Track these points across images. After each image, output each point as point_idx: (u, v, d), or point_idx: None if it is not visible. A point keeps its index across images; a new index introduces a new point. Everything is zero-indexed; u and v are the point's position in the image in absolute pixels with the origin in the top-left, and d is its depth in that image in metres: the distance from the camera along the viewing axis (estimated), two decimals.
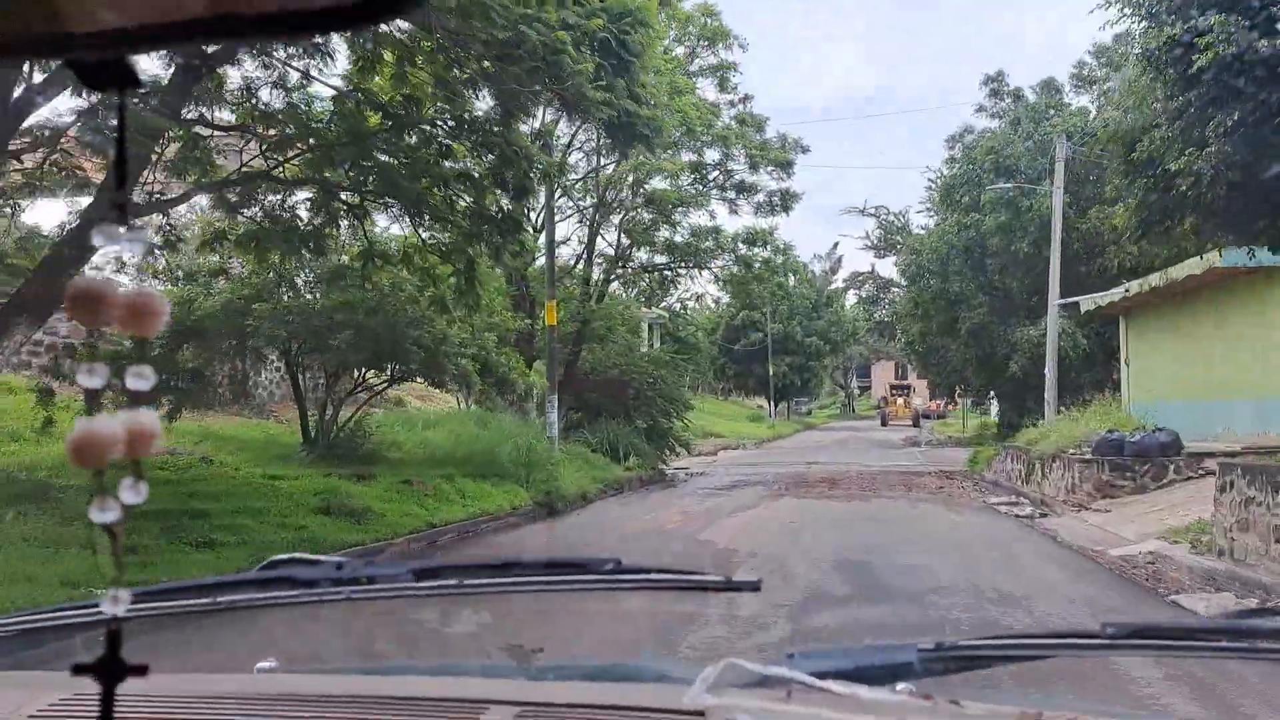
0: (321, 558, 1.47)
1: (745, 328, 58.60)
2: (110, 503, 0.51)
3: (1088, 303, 20.91)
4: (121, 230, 0.52)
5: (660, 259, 24.51)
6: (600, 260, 23.85)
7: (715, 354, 60.13)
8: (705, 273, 25.04)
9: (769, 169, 22.90)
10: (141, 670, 0.55)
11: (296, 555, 1.47)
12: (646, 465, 23.51)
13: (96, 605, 1.10)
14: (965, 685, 1.21)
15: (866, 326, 40.83)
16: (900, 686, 1.05)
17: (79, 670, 0.55)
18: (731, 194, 22.87)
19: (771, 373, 54.51)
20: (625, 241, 23.86)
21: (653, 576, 1.46)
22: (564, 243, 24.33)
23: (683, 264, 24.37)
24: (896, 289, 39.67)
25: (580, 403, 24.74)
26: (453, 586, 1.40)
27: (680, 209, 22.37)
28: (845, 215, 45.32)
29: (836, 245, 49.83)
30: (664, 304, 59.68)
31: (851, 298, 44.13)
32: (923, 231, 35.61)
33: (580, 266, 24.94)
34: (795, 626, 5.66)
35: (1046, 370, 21.17)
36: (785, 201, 23.05)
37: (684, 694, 0.98)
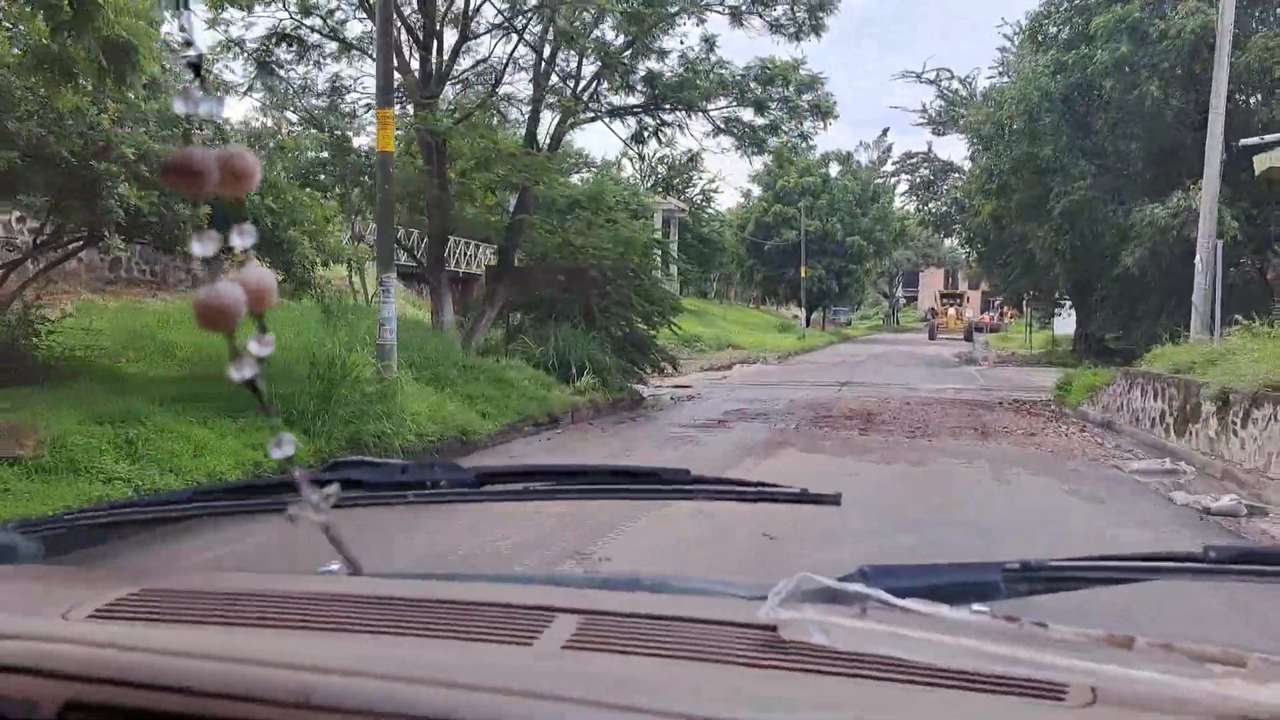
0: (385, 460, 1.47)
1: (778, 225, 51.43)
2: (245, 361, 0.54)
3: (1265, 160, 13.83)
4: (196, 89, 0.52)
5: (635, 100, 17.48)
6: (554, 100, 16.93)
7: (744, 254, 53.20)
8: (702, 120, 17.98)
9: None
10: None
11: (361, 458, 1.46)
12: (613, 387, 17.06)
13: (155, 503, 1.49)
14: (1052, 609, 1.09)
15: (919, 219, 33.53)
16: (981, 607, 0.99)
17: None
18: None
19: (804, 276, 47.46)
20: (585, 66, 16.87)
21: (725, 488, 1.47)
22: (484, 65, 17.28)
23: (666, 105, 17.38)
24: (958, 174, 32.25)
25: (529, 301, 18.24)
26: (518, 492, 1.42)
27: (662, 19, 15.32)
28: (899, 81, 37.49)
29: (885, 133, 42.18)
30: (684, 194, 52.48)
31: (902, 186, 36.59)
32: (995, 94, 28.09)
33: (511, 103, 17.95)
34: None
35: (1198, 261, 14.17)
36: (815, 15, 15.87)
37: (757, 607, 0.96)
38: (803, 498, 1.42)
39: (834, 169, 54.86)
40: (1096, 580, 1.14)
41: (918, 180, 33.19)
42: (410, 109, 15.45)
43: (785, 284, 53.01)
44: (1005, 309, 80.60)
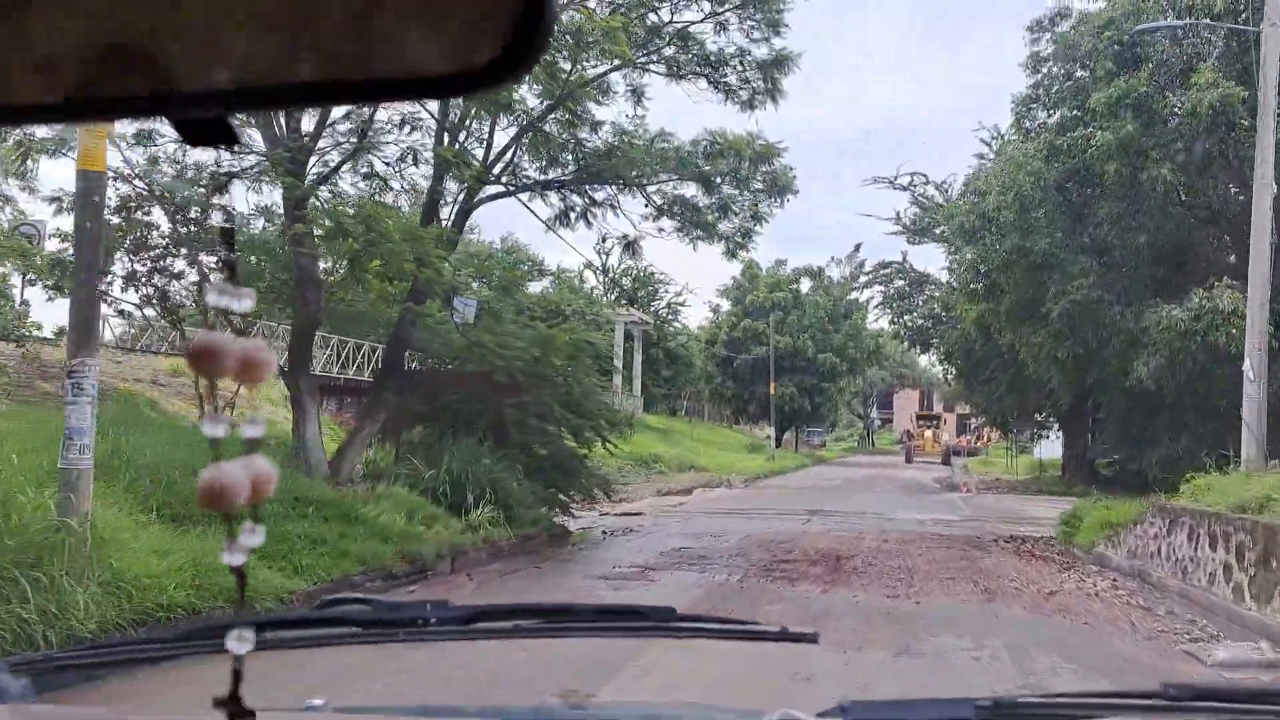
0: (376, 597, 1.47)
1: (748, 340, 48.95)
2: (238, 546, 0.55)
3: None
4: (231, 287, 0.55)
5: (559, 174, 14.72)
6: (459, 173, 14.11)
7: (712, 370, 50.55)
8: (639, 199, 15.21)
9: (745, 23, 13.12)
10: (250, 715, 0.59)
11: (353, 595, 1.64)
12: (522, 520, 13.83)
13: (143, 644, 1.46)
14: None
15: (894, 333, 30.99)
16: None
17: (218, 704, 0.58)
18: (672, 49, 13.03)
19: (774, 393, 44.65)
20: (497, 132, 14.14)
21: (707, 625, 1.48)
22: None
23: (595, 181, 14.62)
24: (934, 285, 29.87)
25: (426, 413, 15.10)
26: (506, 630, 1.44)
27: (585, 83, 12.66)
28: (870, 187, 35.15)
29: (858, 248, 39.92)
30: (650, 308, 50.09)
31: (876, 298, 34.17)
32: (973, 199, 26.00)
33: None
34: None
35: (1248, 368, 11.27)
36: (773, 79, 13.28)
37: None
38: (783, 636, 1.49)
39: (805, 285, 52.87)
40: (1063, 717, 1.19)
41: (892, 292, 30.70)
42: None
43: (755, 402, 50.18)
44: (983, 432, 78.24)
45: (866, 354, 50.93)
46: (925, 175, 29.37)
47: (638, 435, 40.84)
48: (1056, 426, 32.30)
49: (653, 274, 48.37)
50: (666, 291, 49.19)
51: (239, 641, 0.57)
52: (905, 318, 31.33)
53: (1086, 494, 28.60)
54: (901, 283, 30.88)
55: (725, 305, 52.14)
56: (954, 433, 66.12)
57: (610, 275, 47.87)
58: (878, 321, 35.03)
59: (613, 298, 45.49)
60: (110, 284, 10.73)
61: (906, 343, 31.95)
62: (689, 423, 60.62)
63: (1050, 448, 48.16)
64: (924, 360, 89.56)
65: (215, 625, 1.55)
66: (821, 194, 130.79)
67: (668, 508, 24.29)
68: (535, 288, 37.75)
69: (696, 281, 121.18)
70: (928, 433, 55.84)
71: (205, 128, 0.56)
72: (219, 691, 0.58)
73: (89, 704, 1.46)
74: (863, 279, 32.08)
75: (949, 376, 33.46)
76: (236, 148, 0.56)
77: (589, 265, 47.36)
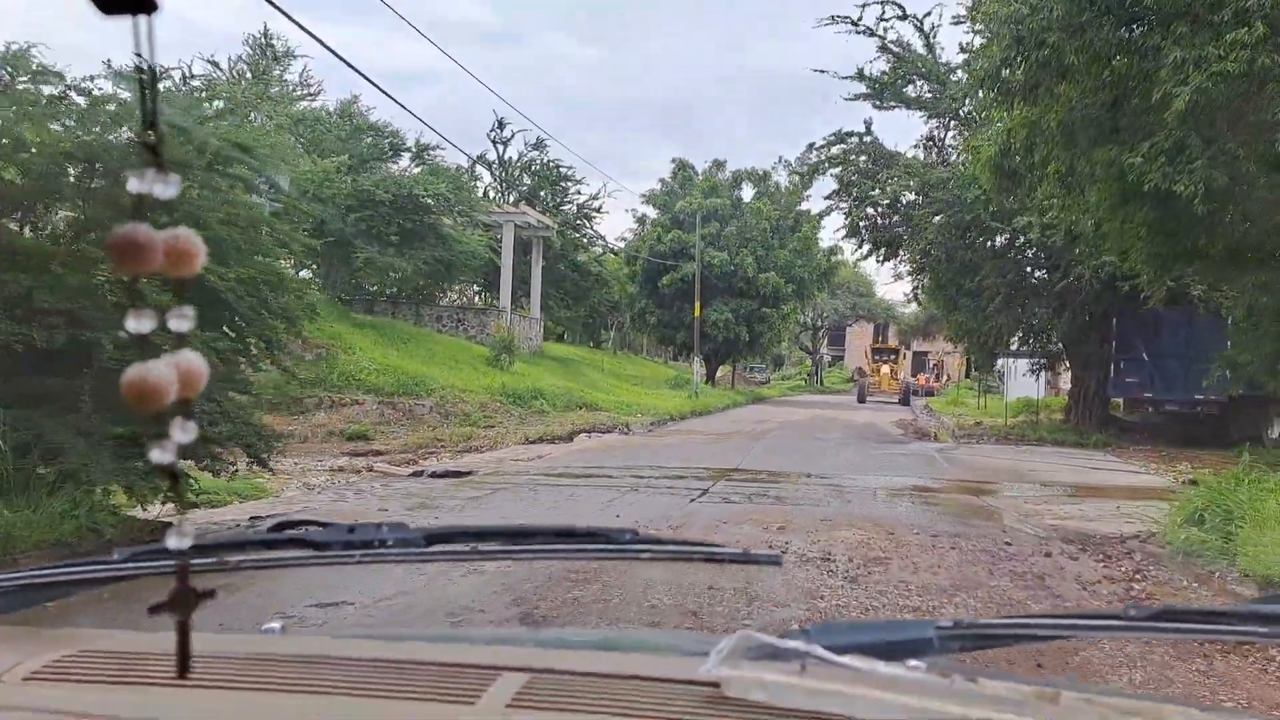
0: (333, 521, 1.45)
1: (677, 256, 40.79)
2: (167, 444, 0.53)
3: None
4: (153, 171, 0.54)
5: None
6: None
7: (635, 292, 42.45)
8: None
9: None
10: (210, 594, 0.59)
11: (307, 519, 1.49)
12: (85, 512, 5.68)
13: (92, 563, 1.39)
14: (983, 665, 1.28)
15: (849, 229, 23.00)
16: (916, 663, 1.01)
17: (155, 610, 0.58)
18: None
19: (698, 316, 36.69)
20: None
21: (669, 547, 1.49)
22: None
23: None
24: (901, 174, 21.90)
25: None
26: (465, 552, 1.43)
27: None
28: (823, 28, 26.61)
29: (811, 147, 31.05)
30: (559, 209, 41.58)
31: (830, 185, 25.92)
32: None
33: None
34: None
35: None
36: None
37: (699, 664, 0.98)
38: (745, 558, 1.47)
39: (747, 192, 44.71)
40: (1025, 637, 1.19)
41: (851, 175, 22.62)
42: None
43: (685, 330, 42.20)
44: (943, 369, 71.27)
45: (817, 275, 43.12)
46: (900, 6, 21.01)
47: (525, 365, 32.88)
48: (1038, 364, 24.79)
49: (560, 169, 39.86)
50: (579, 193, 40.78)
51: (179, 537, 0.55)
52: (867, 209, 23.31)
53: (1110, 443, 21.27)
54: (864, 159, 22.77)
55: (651, 213, 43.91)
56: (910, 371, 59.13)
57: (505, 168, 39.29)
58: (837, 233, 26.40)
59: (511, 199, 37.02)
60: None
61: (866, 247, 23.97)
62: (612, 354, 52.73)
63: (1021, 386, 41.00)
64: (882, 288, 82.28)
65: (161, 548, 1.16)
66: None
67: (518, 463, 16.64)
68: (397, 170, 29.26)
69: (622, 187, 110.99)
70: (884, 368, 48.51)
71: None
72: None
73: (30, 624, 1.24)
74: (814, 158, 23.65)
75: (920, 290, 25.62)
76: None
77: (479, 159, 38.74)
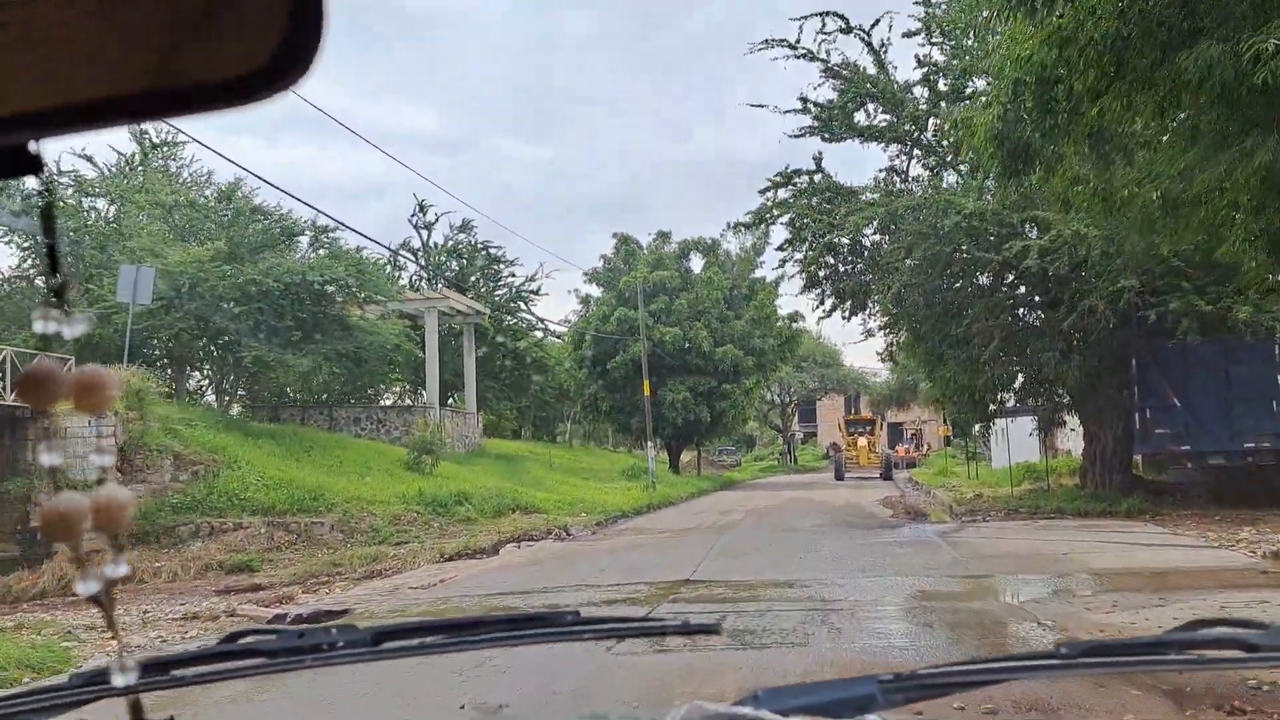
0: (282, 627, 1.53)
1: (625, 336, 37.34)
2: (92, 575, 0.54)
3: None
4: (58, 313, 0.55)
5: None
6: None
7: (583, 378, 38.90)
8: None
9: None
10: None
11: (257, 627, 1.60)
12: None
13: (45, 691, 1.35)
14: (928, 714, 1.27)
15: (807, 279, 19.58)
16: (865, 719, 1.05)
17: None
18: None
19: (649, 395, 33.12)
20: None
21: (612, 625, 1.53)
22: None
23: None
24: (863, 197, 18.77)
25: None
26: (413, 647, 1.44)
27: None
28: (757, 53, 22.68)
29: (766, 216, 27.73)
30: (492, 294, 38.03)
31: (782, 235, 22.57)
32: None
33: None
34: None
35: None
36: None
37: None
38: (688, 629, 1.52)
39: (696, 264, 41.65)
40: (964, 685, 1.20)
41: (804, 216, 19.40)
42: None
43: (640, 414, 38.50)
44: (922, 438, 67.88)
45: (779, 344, 39.81)
46: (842, 19, 18.08)
47: (455, 467, 28.92)
48: (1067, 410, 21.36)
49: (489, 250, 36.57)
50: (514, 275, 37.43)
51: (123, 674, 0.56)
52: (826, 258, 20.04)
53: (1145, 510, 17.66)
54: (817, 200, 19.58)
55: (595, 292, 40.62)
56: (887, 442, 55.73)
57: (430, 254, 35.93)
58: (795, 290, 22.93)
59: (440, 287, 33.55)
60: None
61: (829, 302, 20.66)
62: (568, 447, 48.82)
63: (1011, 450, 37.59)
64: (851, 352, 79.38)
65: (106, 669, 1.33)
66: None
67: (415, 591, 12.94)
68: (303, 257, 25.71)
69: (564, 262, 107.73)
70: (860, 441, 44.89)
71: (8, 157, 0.53)
72: None
73: None
74: (763, 201, 20.47)
75: (895, 347, 22.23)
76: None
77: (401, 248, 35.39)
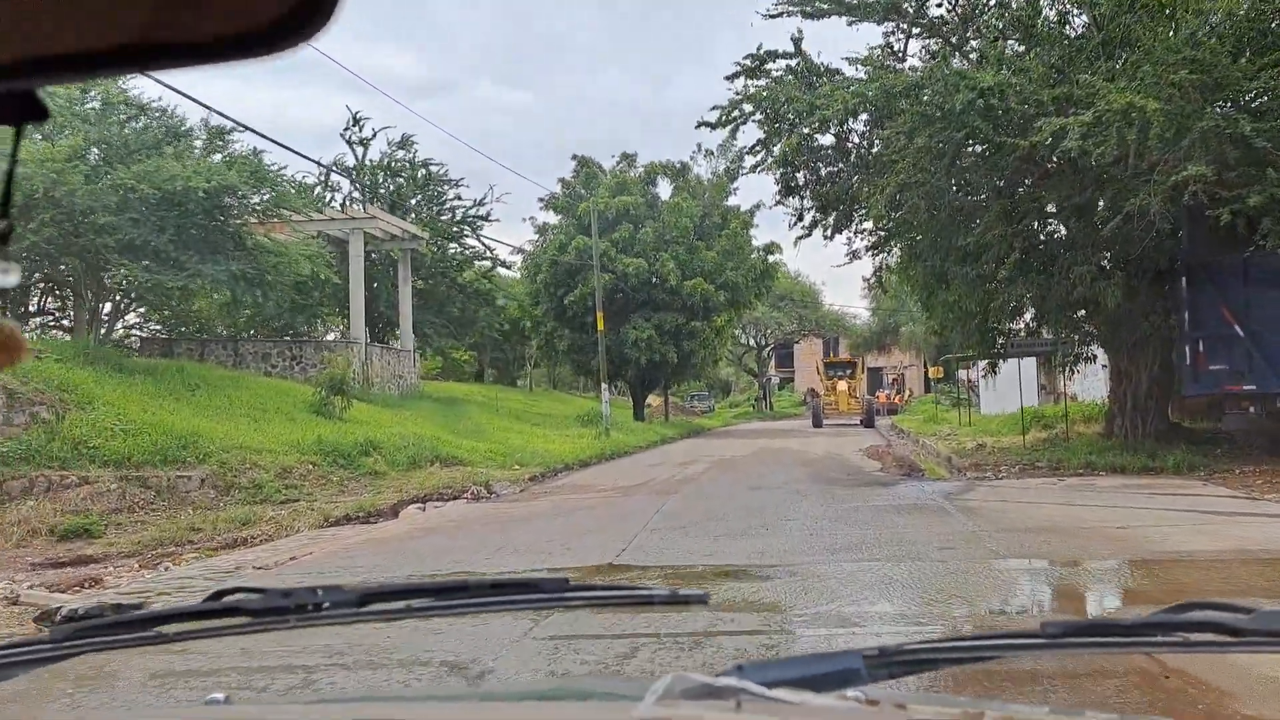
0: (267, 587, 1.46)
1: (585, 267, 33.66)
2: None
3: None
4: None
5: None
6: None
7: (540, 314, 35.34)
8: None
9: None
10: None
11: (242, 585, 1.48)
12: None
13: (29, 644, 1.35)
14: (913, 688, 1.29)
15: (782, 188, 15.88)
16: (848, 693, 1.03)
17: None
18: None
19: (602, 331, 29.57)
20: None
21: (600, 593, 1.52)
22: None
23: None
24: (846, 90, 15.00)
25: None
26: (399, 611, 1.44)
27: None
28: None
29: (735, 131, 23.86)
30: (435, 216, 33.78)
31: (750, 134, 18.87)
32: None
33: None
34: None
35: None
36: None
37: (633, 709, 0.97)
38: (675, 599, 1.49)
39: (664, 190, 37.86)
40: (948, 661, 1.22)
41: (780, 103, 15.74)
42: None
43: (606, 355, 34.99)
44: (904, 383, 64.79)
45: (753, 278, 36.22)
46: None
47: (378, 411, 25.36)
48: (1063, 360, 17.97)
49: (430, 168, 32.59)
50: (461, 200, 33.53)
51: (108, 630, 0.57)
52: (803, 159, 16.47)
53: (1198, 465, 14.35)
54: (792, 83, 15.91)
55: (551, 218, 36.82)
56: (866, 388, 52.62)
57: (365, 175, 31.93)
58: (770, 202, 18.78)
59: (364, 207, 29.57)
60: None
61: (809, 216, 17.13)
62: (528, 391, 45.32)
63: (1000, 396, 34.41)
64: (833, 285, 75.80)
65: (103, 623, 1.38)
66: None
67: (260, 572, 9.35)
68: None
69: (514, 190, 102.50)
70: (840, 385, 41.61)
71: (9, 102, 0.52)
72: (120, 685, 0.61)
73: None
74: (731, 94, 16.74)
75: (885, 271, 18.76)
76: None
77: (333, 166, 31.39)
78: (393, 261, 30.22)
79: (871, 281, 20.17)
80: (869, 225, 18.25)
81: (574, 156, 37.92)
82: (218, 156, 22.45)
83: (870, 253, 19.35)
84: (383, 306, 30.58)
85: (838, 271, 60.46)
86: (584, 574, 8.00)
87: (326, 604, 1.37)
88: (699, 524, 10.93)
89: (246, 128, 27.09)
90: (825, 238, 18.72)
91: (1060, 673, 4.06)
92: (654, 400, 44.39)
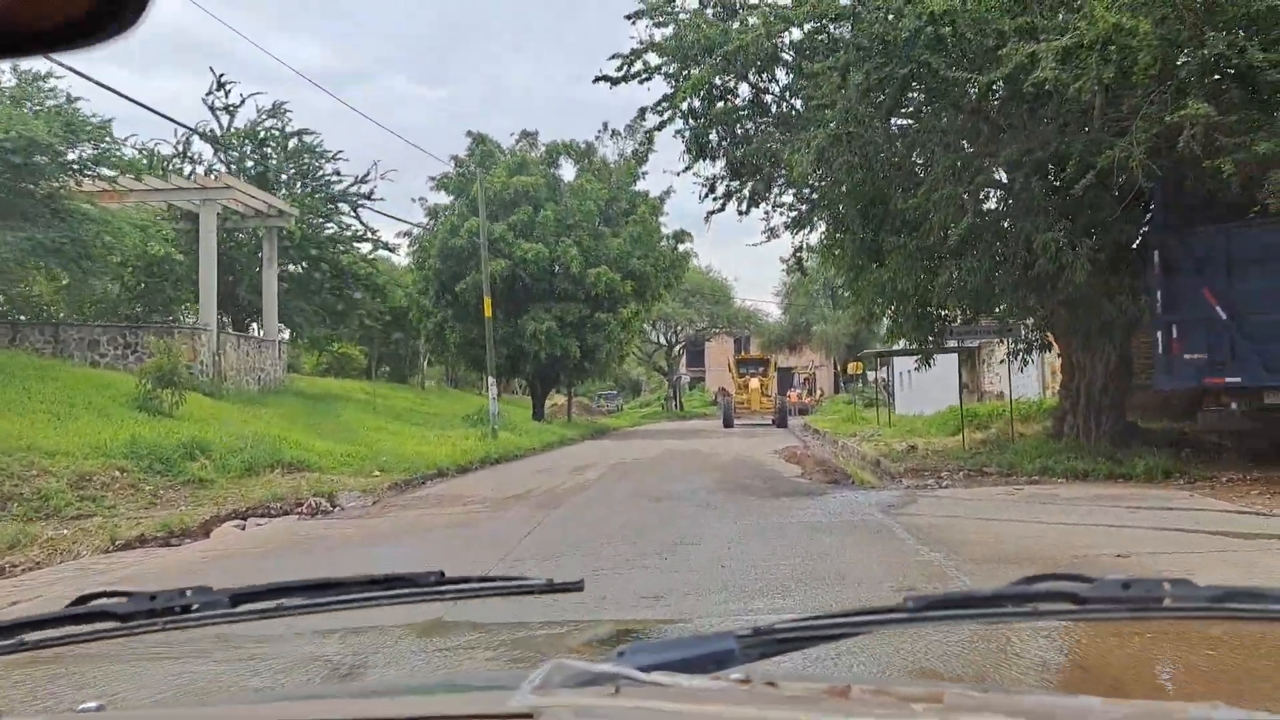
0: (133, 590, 1.41)
1: (477, 254, 30.73)
2: None
3: None
4: None
5: None
6: None
7: (428, 303, 32.38)
8: None
9: None
10: None
11: (107, 590, 1.45)
12: None
13: None
14: (785, 666, 1.30)
15: (692, 152, 13.31)
16: (722, 673, 1.05)
17: None
18: None
19: (489, 316, 26.80)
20: None
21: (474, 585, 1.52)
22: None
23: None
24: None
25: None
26: (271, 609, 1.41)
27: None
28: None
29: (643, 113, 21.21)
30: (307, 190, 29.91)
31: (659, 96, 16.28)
32: None
33: None
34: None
35: None
36: None
37: (510, 698, 0.98)
38: (551, 588, 1.49)
39: (568, 172, 35.14)
40: (818, 638, 1.22)
41: (690, 42, 13.20)
42: None
43: (497, 348, 32.11)
44: (814, 383, 63.23)
45: (662, 268, 33.75)
46: None
47: (224, 406, 21.99)
48: (1026, 335, 15.89)
49: (303, 138, 29.26)
50: (340, 176, 30.24)
51: None
52: (715, 116, 14.08)
53: (1174, 470, 12.19)
54: (712, 12, 13.43)
55: (443, 199, 33.74)
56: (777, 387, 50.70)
57: (227, 138, 28.44)
58: (679, 168, 16.25)
59: (226, 175, 26.12)
60: None
61: (723, 186, 14.77)
62: (417, 388, 42.06)
63: (917, 395, 32.62)
64: (743, 290, 73.99)
65: None
66: None
67: None
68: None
69: (400, 168, 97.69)
70: (753, 383, 39.47)
71: None
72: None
73: None
74: (637, 31, 14.19)
75: (804, 252, 16.49)
76: None
77: (190, 128, 27.84)
78: (249, 237, 26.87)
79: (790, 264, 17.83)
80: (789, 198, 15.97)
81: (469, 133, 34.93)
82: (32, 108, 18.96)
83: (790, 230, 17.05)
84: (245, 291, 27.21)
85: (749, 268, 58.77)
86: (372, 647, 5.36)
87: (195, 605, 1.36)
88: (579, 550, 8.34)
89: (86, 78, 23.38)
90: (740, 212, 16.38)
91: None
92: (559, 400, 41.67)
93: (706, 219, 17.71)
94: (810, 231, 16.77)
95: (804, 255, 17.04)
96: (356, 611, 1.60)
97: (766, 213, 16.88)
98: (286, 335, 29.38)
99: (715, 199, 16.50)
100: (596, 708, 0.92)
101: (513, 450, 21.83)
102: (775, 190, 15.96)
